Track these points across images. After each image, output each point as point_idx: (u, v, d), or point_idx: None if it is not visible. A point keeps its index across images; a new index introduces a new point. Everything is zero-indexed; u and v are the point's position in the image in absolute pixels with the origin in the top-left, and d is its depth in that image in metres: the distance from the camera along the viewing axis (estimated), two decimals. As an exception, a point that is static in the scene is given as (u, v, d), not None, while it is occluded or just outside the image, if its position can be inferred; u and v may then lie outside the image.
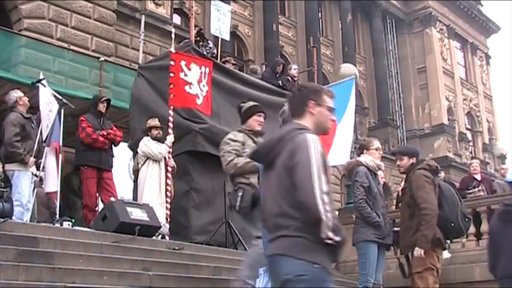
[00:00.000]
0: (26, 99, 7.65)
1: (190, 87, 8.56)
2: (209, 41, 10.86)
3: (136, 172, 8.37)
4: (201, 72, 8.79)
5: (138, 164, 8.28)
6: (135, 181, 8.52)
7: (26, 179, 7.26)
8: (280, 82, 11.05)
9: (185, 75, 8.57)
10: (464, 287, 9.31)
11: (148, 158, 8.18)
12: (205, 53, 10.09)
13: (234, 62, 11.74)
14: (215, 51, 10.95)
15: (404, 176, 6.22)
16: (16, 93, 7.73)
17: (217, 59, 10.77)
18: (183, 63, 8.64)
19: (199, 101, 8.68)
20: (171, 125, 8.40)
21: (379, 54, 32.27)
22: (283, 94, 10.73)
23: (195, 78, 8.66)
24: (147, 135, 8.34)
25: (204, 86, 8.78)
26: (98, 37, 14.71)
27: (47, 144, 7.74)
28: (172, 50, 8.90)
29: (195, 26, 11.22)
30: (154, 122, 8.44)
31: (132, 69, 12.87)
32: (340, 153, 9.70)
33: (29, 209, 7.41)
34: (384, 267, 6.33)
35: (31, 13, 13.71)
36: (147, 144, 8.20)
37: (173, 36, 9.53)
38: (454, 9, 36.34)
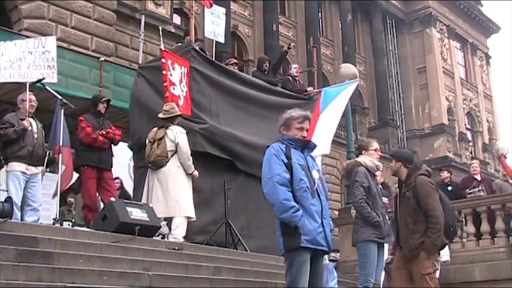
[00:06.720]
0: (26, 104, 7.43)
1: (173, 88, 8.51)
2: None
3: (161, 162, 7.65)
4: (181, 73, 8.77)
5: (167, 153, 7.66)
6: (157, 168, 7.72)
7: (13, 179, 7.24)
8: (279, 81, 11.03)
9: (171, 75, 8.54)
10: (464, 287, 9.32)
11: (176, 151, 7.71)
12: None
13: (236, 62, 11.62)
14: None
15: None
16: (22, 96, 7.59)
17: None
18: (169, 62, 8.60)
19: (180, 102, 8.61)
20: None
21: (379, 54, 32.29)
22: (282, 94, 10.73)
23: (177, 79, 8.63)
24: (176, 125, 7.79)
25: (184, 86, 8.72)
26: (98, 37, 14.70)
27: (49, 147, 7.72)
28: (162, 47, 8.88)
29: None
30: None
31: (132, 69, 12.85)
32: (321, 143, 9.64)
33: (36, 209, 7.37)
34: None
35: (31, 13, 13.70)
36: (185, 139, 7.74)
37: (161, 33, 9.64)
38: (454, 9, 36.36)
